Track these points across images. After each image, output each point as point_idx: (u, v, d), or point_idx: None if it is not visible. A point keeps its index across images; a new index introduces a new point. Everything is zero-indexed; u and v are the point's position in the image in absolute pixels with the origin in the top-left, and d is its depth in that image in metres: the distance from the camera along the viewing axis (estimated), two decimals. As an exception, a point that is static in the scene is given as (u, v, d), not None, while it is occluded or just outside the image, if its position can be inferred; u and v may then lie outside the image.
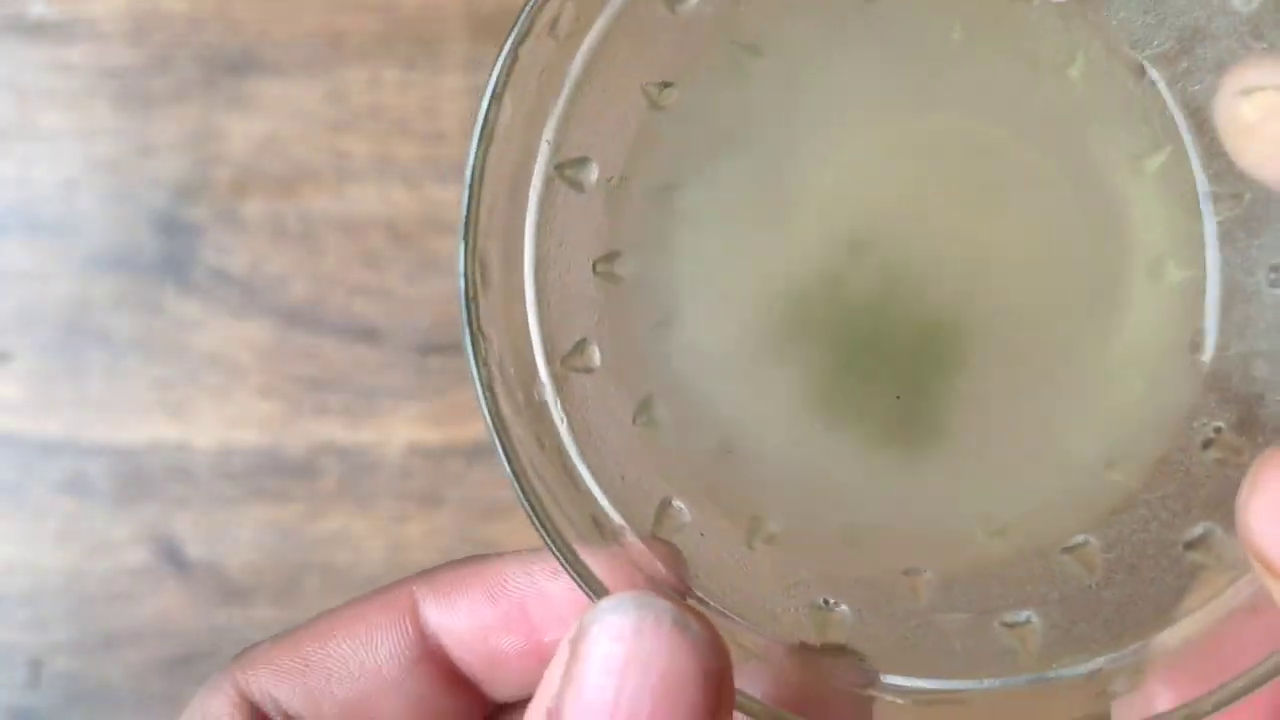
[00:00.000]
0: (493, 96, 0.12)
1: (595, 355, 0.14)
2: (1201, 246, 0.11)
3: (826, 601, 0.12)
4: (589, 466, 0.13)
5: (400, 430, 0.46)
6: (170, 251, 0.46)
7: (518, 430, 0.13)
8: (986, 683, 0.11)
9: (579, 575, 0.12)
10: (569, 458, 0.13)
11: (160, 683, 0.46)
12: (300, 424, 0.46)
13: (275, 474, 0.46)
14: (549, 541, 0.12)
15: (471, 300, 0.12)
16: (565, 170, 0.13)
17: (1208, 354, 0.12)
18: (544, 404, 0.14)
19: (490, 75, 0.12)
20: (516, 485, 0.12)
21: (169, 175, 0.46)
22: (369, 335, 0.46)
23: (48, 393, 0.46)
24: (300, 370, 0.46)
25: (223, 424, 0.46)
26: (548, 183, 0.13)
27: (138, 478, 0.46)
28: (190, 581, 0.46)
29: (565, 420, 0.13)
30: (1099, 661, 0.11)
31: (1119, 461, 0.12)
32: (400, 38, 0.46)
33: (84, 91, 0.47)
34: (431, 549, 0.46)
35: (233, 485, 0.46)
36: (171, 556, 0.46)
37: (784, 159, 0.12)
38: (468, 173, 0.12)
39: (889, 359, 0.12)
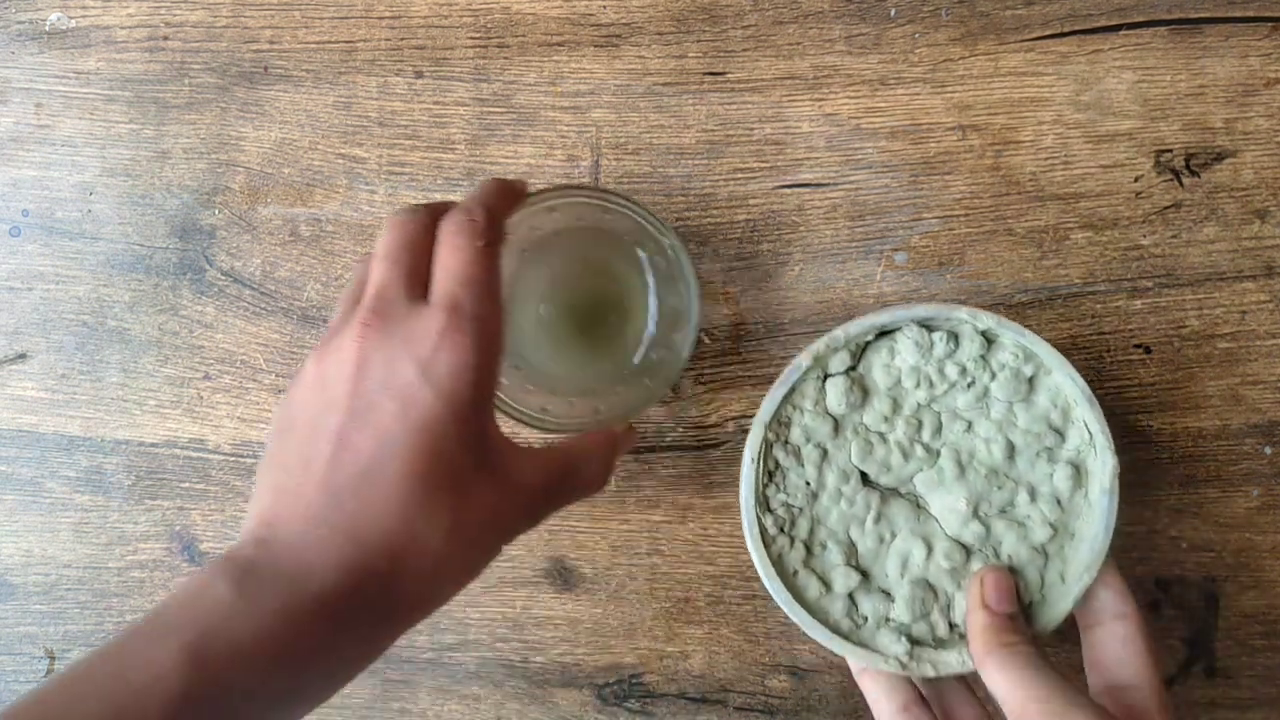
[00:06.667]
0: None
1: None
2: (649, 297, 0.43)
3: (571, 403, 0.42)
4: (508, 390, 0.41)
5: (409, 427, 0.46)
6: (186, 255, 0.47)
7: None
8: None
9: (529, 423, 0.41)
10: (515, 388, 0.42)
11: (174, 673, 0.47)
12: (312, 421, 0.46)
13: (287, 470, 0.47)
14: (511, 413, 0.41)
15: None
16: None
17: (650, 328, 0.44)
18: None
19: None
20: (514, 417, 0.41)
21: (184, 181, 0.47)
22: (379, 336, 0.47)
23: (66, 391, 0.47)
24: (312, 369, 0.47)
25: (237, 422, 0.47)
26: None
27: (154, 474, 0.47)
28: (204, 574, 0.47)
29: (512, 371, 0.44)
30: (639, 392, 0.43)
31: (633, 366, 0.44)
32: (409, 48, 0.47)
33: (101, 99, 0.47)
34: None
35: (246, 481, 0.47)
36: (186, 550, 0.47)
37: (551, 281, 0.44)
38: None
39: (584, 323, 0.45)
